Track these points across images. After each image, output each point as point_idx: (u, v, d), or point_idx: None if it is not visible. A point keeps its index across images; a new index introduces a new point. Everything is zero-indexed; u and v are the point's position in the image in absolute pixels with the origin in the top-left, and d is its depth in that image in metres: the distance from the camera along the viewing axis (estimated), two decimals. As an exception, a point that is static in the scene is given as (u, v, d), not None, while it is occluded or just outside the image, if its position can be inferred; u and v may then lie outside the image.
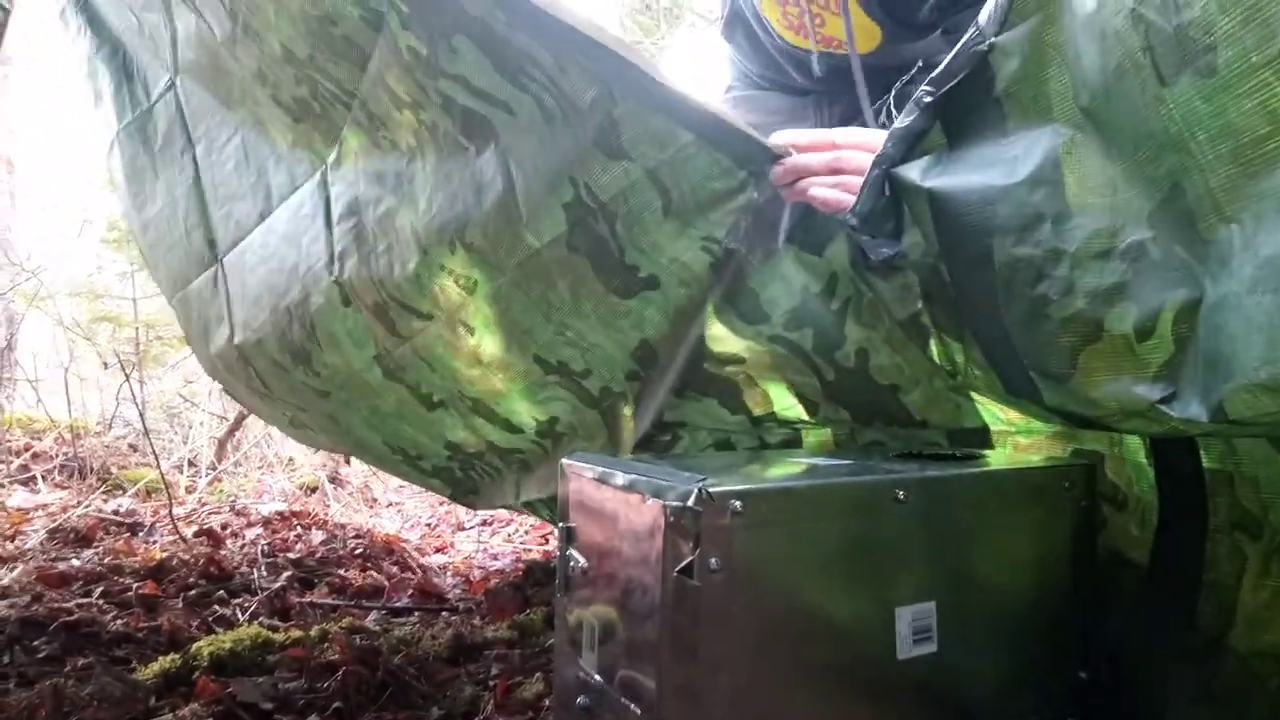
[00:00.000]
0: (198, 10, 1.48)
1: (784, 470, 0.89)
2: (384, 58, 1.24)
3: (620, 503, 0.80)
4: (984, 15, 0.87)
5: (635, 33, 5.31)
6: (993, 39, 0.87)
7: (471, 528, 2.78)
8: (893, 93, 1.29)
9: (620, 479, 0.80)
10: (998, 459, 0.97)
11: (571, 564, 0.88)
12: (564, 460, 0.92)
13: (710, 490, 0.71)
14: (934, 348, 1.04)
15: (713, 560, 0.71)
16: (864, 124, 1.29)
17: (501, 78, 1.14)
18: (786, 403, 1.23)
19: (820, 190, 1.00)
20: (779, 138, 1.03)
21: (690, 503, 0.71)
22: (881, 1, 1.32)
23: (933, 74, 0.91)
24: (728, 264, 1.15)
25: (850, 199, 0.96)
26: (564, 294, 1.27)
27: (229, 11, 1.40)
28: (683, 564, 0.71)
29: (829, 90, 1.43)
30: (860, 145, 1.02)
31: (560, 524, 0.91)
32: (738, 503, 0.72)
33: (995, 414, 1.07)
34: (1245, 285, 0.72)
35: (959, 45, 0.90)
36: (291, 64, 1.39)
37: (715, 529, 0.71)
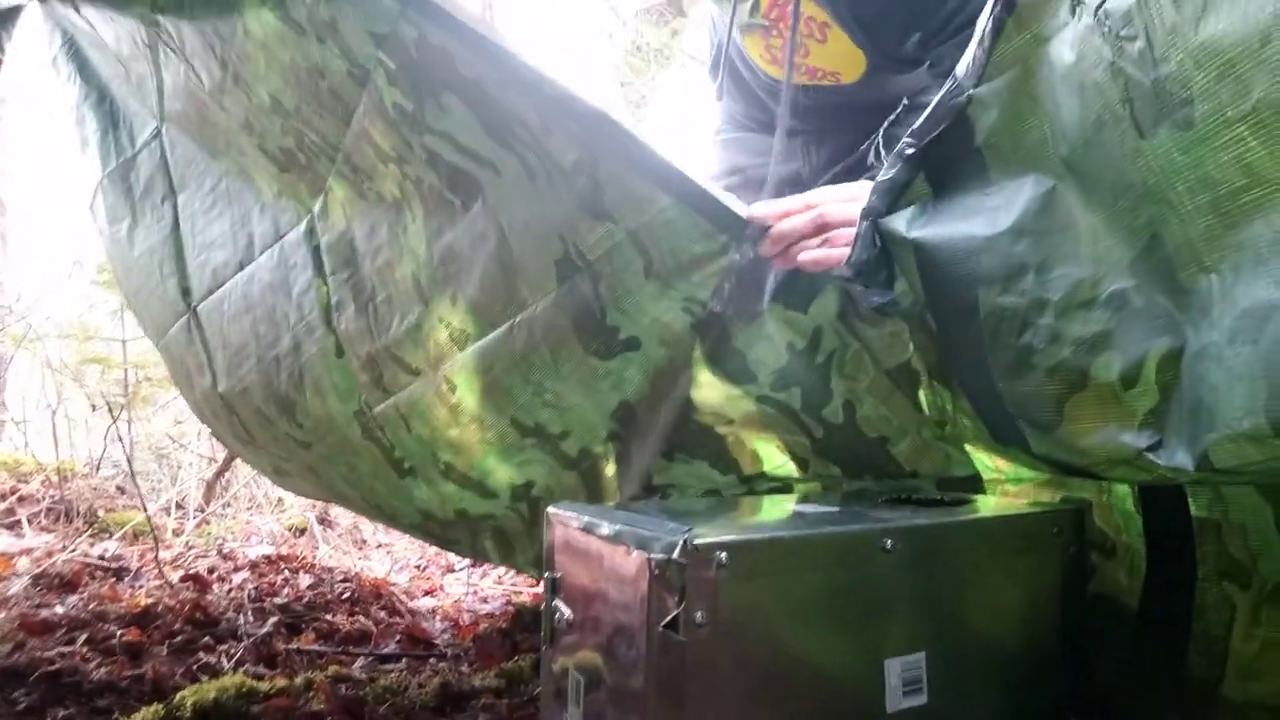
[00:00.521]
0: (187, 60, 1.49)
1: (770, 519, 0.88)
2: (369, 112, 1.25)
3: (606, 553, 0.79)
4: (962, 67, 0.88)
5: (626, 74, 5.36)
6: (970, 91, 0.88)
7: (461, 569, 2.76)
8: (880, 133, 1.30)
9: (605, 529, 0.80)
10: (985, 505, 0.97)
11: (557, 615, 0.87)
12: (550, 509, 0.91)
13: (695, 542, 0.70)
14: (923, 396, 1.04)
15: (698, 614, 0.71)
16: (841, 163, 1.30)
17: (488, 136, 1.15)
18: (777, 461, 1.22)
19: (809, 254, 1.01)
20: (756, 211, 1.04)
21: (675, 555, 0.70)
22: (864, 28, 1.33)
23: (914, 126, 0.92)
24: (711, 325, 1.15)
25: (839, 254, 0.96)
26: (545, 354, 1.27)
27: (220, 61, 1.41)
28: (668, 618, 0.70)
29: (816, 130, 1.43)
30: (838, 198, 1.02)
31: (546, 574, 0.90)
32: (723, 554, 0.71)
33: (984, 462, 1.07)
34: (1225, 336, 0.72)
35: (937, 98, 0.91)
36: (279, 114, 1.39)
37: (701, 581, 0.71)
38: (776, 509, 0.95)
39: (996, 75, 0.87)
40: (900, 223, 0.94)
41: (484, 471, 1.52)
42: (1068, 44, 0.83)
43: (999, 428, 0.95)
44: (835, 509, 0.91)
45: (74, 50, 2.01)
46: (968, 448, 1.06)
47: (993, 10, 0.87)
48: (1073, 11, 0.83)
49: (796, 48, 1.34)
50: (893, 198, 0.95)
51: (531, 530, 1.57)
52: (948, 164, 0.92)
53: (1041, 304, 0.85)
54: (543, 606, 0.90)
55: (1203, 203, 0.73)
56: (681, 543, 0.70)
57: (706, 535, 0.72)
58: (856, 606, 0.78)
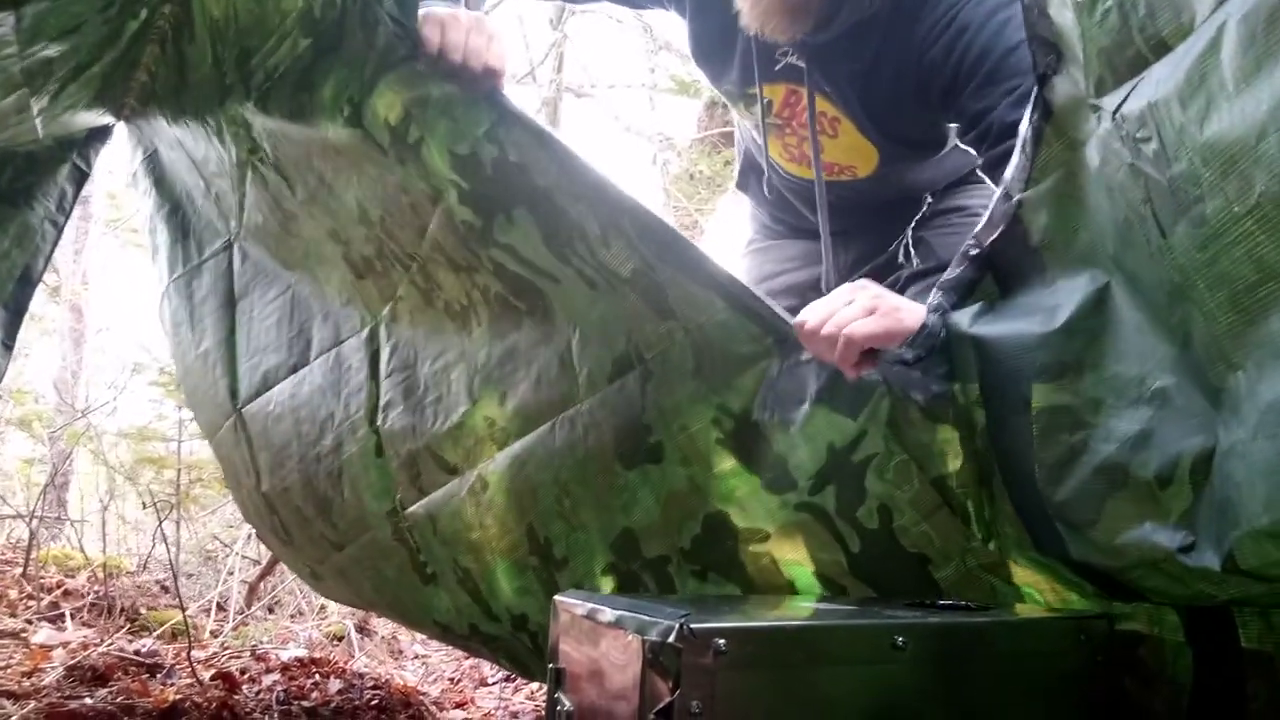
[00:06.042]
0: (281, 172, 1.58)
1: (778, 610, 0.86)
2: (441, 226, 1.34)
3: (605, 639, 0.78)
4: (1009, 172, 0.92)
5: (678, 198, 5.50)
6: (1019, 196, 0.92)
7: (494, 683, 2.70)
8: (909, 234, 1.32)
9: (607, 615, 0.79)
10: (1010, 611, 0.93)
11: (558, 707, 0.85)
12: (557, 597, 0.90)
13: (693, 626, 0.69)
14: (970, 508, 1.01)
15: (694, 703, 0.68)
16: (869, 264, 1.31)
17: (548, 250, 1.24)
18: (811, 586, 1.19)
19: (862, 326, 0.98)
20: (803, 316, 1.05)
21: (671, 639, 0.69)
22: (873, 119, 1.35)
23: (976, 228, 0.96)
24: (750, 435, 1.16)
25: (897, 325, 0.97)
26: (579, 452, 1.30)
27: (317, 175, 1.52)
28: (661, 705, 0.68)
29: (842, 231, 1.44)
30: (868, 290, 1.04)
31: (550, 665, 0.88)
32: (722, 641, 0.70)
33: (1033, 594, 1.02)
34: (1249, 432, 0.71)
35: (993, 202, 0.94)
36: (364, 224, 1.49)
37: (697, 668, 0.69)
38: (789, 603, 0.92)
39: (1042, 179, 0.91)
40: (964, 318, 0.96)
41: (491, 590, 1.51)
42: (1094, 148, 0.85)
43: (1040, 535, 0.93)
44: (852, 607, 0.89)
45: (153, 166, 2.13)
46: (1016, 579, 1.02)
47: (1031, 118, 0.90)
48: (1092, 117, 0.85)
49: (816, 145, 1.37)
50: (960, 295, 0.98)
51: (539, 658, 1.54)
52: (1011, 264, 0.95)
53: (1095, 403, 0.84)
54: (545, 698, 0.88)
55: (1222, 299, 0.73)
56: (678, 627, 0.69)
57: (705, 620, 0.70)
58: (864, 705, 0.75)
